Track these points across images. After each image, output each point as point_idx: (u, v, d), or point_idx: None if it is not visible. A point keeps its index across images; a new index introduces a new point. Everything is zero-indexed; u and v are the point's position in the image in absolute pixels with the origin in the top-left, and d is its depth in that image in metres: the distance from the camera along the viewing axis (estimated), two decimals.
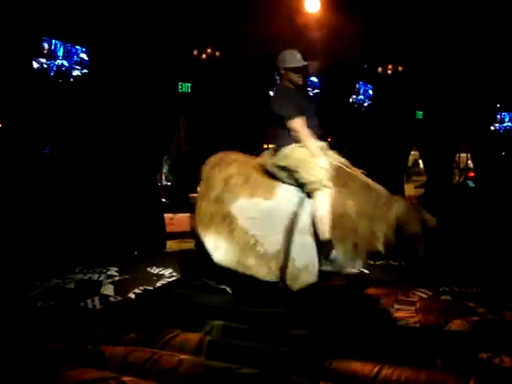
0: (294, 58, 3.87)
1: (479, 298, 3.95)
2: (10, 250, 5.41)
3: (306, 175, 3.66)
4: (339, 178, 3.71)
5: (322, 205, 3.62)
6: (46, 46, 6.33)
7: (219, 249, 3.86)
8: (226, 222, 3.85)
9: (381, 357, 2.87)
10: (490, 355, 2.77)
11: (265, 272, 3.73)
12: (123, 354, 2.77)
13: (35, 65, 6.21)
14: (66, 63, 6.60)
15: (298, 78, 3.90)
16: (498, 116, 11.30)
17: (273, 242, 3.71)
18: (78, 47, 6.69)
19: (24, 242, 5.70)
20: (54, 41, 6.38)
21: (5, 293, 4.26)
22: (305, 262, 3.65)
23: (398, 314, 3.62)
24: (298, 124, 3.74)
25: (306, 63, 3.94)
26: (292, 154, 3.75)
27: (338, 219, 3.61)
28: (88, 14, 6.49)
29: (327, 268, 3.71)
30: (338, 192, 3.66)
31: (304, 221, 3.68)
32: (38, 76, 6.31)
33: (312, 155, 3.69)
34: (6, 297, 4.16)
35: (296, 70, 3.87)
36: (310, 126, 3.78)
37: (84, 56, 6.75)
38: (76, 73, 6.72)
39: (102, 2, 6.52)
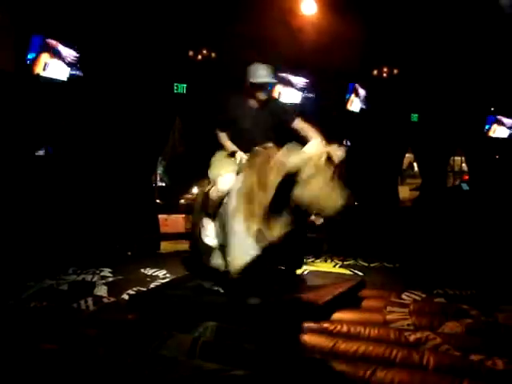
0: (261, 73, 3.78)
1: (473, 300, 3.96)
2: (4, 251, 5.38)
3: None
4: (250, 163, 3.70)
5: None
6: (40, 45, 6.30)
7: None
8: None
9: (374, 359, 2.89)
10: (482, 357, 2.78)
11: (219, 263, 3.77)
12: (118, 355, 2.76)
13: (29, 68, 6.18)
14: (60, 64, 6.57)
15: (260, 96, 3.82)
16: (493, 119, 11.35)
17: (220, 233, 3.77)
18: (72, 47, 6.66)
19: (17, 243, 5.67)
20: (48, 40, 6.35)
21: None
22: (235, 244, 3.51)
23: (391, 316, 3.62)
24: (222, 137, 3.95)
25: (272, 80, 3.89)
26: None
27: (244, 197, 3.54)
28: (83, 15, 6.47)
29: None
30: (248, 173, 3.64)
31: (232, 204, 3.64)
32: (33, 77, 6.28)
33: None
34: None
35: (260, 86, 3.79)
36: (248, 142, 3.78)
37: (78, 57, 6.72)
38: (70, 73, 6.70)
39: (96, 3, 6.51)
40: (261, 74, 3.78)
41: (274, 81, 3.96)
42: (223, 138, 4.01)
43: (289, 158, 3.34)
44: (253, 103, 3.90)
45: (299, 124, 3.88)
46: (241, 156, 3.83)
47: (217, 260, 3.78)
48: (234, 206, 3.55)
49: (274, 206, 3.38)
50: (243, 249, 3.42)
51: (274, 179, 3.37)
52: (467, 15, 7.89)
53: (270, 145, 3.76)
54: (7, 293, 4.25)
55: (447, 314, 3.62)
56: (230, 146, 3.96)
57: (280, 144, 3.67)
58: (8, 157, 6.29)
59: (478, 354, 2.84)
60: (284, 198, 3.34)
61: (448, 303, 3.97)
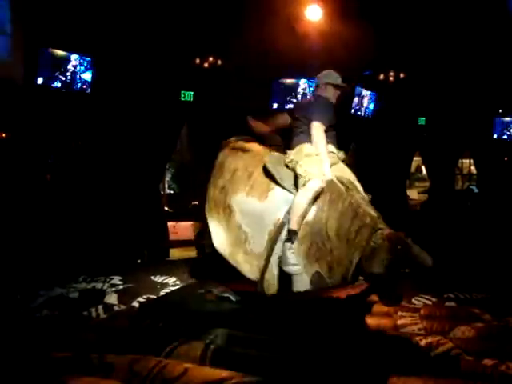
0: (336, 78, 4.28)
1: (484, 304, 3.93)
2: (14, 259, 5.42)
3: (306, 167, 3.74)
4: (330, 193, 3.67)
5: (305, 192, 3.65)
6: (49, 57, 6.36)
7: (218, 236, 4.02)
8: (226, 213, 3.98)
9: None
10: (495, 362, 2.76)
11: (248, 269, 3.82)
12: (128, 363, 2.76)
13: (39, 80, 6.24)
14: (69, 73, 6.63)
15: (334, 94, 4.27)
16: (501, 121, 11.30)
17: (258, 244, 3.78)
18: (81, 57, 6.72)
19: (28, 251, 5.71)
20: (58, 51, 6.42)
21: (9, 302, 4.27)
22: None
23: (402, 321, 3.60)
24: (321, 130, 3.92)
25: (344, 85, 4.36)
26: (302, 149, 3.92)
27: (316, 234, 3.56)
28: (90, 24, 6.53)
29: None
30: (323, 206, 3.62)
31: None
32: (41, 88, 6.34)
33: (319, 155, 3.81)
34: (10, 306, 4.17)
35: (335, 86, 4.25)
36: (328, 138, 3.98)
37: (87, 65, 6.78)
38: (79, 83, 6.75)
39: (104, 12, 6.57)
40: (337, 78, 4.30)
41: (345, 85, 4.45)
42: (322, 132, 4.00)
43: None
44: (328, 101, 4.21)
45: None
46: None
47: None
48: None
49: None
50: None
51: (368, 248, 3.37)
52: (474, 18, 7.88)
53: None
54: (18, 302, 4.28)
55: (458, 319, 3.60)
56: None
57: None
58: (19, 165, 6.35)
59: (491, 358, 2.81)
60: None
61: (459, 307, 3.94)
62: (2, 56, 5.66)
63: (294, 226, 3.61)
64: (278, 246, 3.68)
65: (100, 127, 7.23)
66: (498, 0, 7.58)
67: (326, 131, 3.93)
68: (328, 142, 3.93)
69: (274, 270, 3.68)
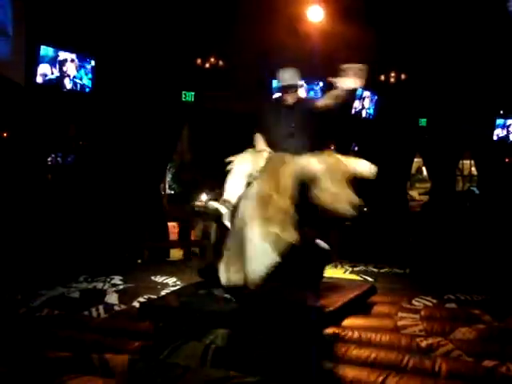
0: (285, 77, 3.89)
1: (484, 305, 3.92)
2: (15, 259, 5.43)
3: None
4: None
5: None
6: (49, 57, 6.36)
7: None
8: None
9: (386, 365, 2.87)
10: (496, 363, 2.76)
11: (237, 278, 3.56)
12: (129, 363, 2.77)
13: (40, 80, 6.25)
14: (70, 73, 6.64)
15: (288, 98, 3.89)
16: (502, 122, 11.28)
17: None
18: (82, 57, 6.73)
19: (29, 251, 5.72)
20: (59, 51, 6.42)
21: (9, 301, 4.27)
22: (252, 254, 3.38)
23: (402, 322, 3.60)
24: (257, 138, 3.93)
25: (296, 83, 3.91)
26: None
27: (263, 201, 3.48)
28: (92, 25, 6.54)
29: None
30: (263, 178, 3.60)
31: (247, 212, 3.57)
32: (42, 88, 6.35)
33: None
34: (10, 305, 4.17)
35: (286, 88, 3.89)
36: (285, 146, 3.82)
37: (88, 66, 6.79)
38: (80, 84, 6.76)
39: (105, 13, 6.58)
40: (285, 77, 3.88)
41: (299, 83, 4.01)
42: (258, 138, 3.98)
43: (309, 163, 3.39)
44: (284, 105, 3.95)
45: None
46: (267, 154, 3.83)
47: (233, 275, 3.64)
48: (248, 213, 3.48)
49: (290, 209, 3.37)
50: (261, 257, 3.31)
51: (290, 182, 3.38)
52: (475, 19, 7.88)
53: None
54: (19, 301, 4.28)
55: (459, 320, 3.60)
56: (260, 145, 3.93)
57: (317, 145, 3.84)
58: (20, 166, 6.36)
59: (492, 359, 2.81)
60: (300, 201, 3.35)
61: (459, 308, 3.94)
62: (3, 56, 5.67)
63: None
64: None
65: (101, 127, 7.24)
66: (498, 2, 7.58)
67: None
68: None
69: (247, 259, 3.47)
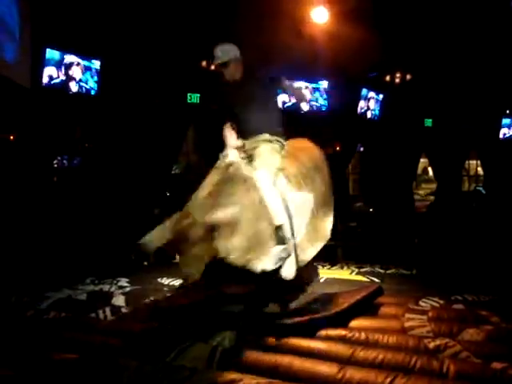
0: (217, 54, 3.81)
1: (492, 306, 3.90)
2: (22, 261, 5.45)
3: None
4: None
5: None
6: (56, 59, 6.40)
7: None
8: None
9: (393, 366, 2.86)
10: (505, 365, 2.74)
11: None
12: (137, 365, 2.77)
13: (46, 82, 6.28)
14: (76, 76, 6.67)
15: (226, 75, 3.83)
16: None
17: None
18: (88, 59, 6.76)
19: (35, 253, 5.73)
20: (65, 54, 6.46)
21: (16, 304, 4.29)
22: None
23: (410, 323, 3.58)
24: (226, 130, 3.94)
25: (227, 59, 3.76)
26: None
27: None
28: (97, 28, 6.56)
29: None
30: None
31: None
32: (48, 90, 6.38)
33: None
34: (17, 308, 4.19)
35: (222, 66, 3.82)
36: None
37: (94, 69, 6.81)
38: (85, 86, 6.78)
39: (111, 16, 6.60)
40: (217, 55, 3.81)
41: (230, 58, 3.80)
42: (227, 130, 3.90)
43: None
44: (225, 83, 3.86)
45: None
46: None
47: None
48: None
49: None
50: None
51: None
52: (480, 19, 7.85)
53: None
54: (26, 303, 4.30)
55: (467, 321, 3.57)
56: (230, 142, 3.85)
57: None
58: (26, 168, 6.38)
59: (500, 361, 2.79)
60: None
61: (467, 309, 3.92)
62: (9, 59, 5.71)
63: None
64: None
65: (106, 130, 7.27)
66: (503, 1, 7.55)
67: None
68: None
69: None
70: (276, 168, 3.66)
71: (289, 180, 3.69)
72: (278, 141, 3.82)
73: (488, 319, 3.57)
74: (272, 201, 3.42)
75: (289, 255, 3.42)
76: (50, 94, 6.44)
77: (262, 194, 3.40)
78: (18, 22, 5.72)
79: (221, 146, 4.78)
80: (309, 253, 3.70)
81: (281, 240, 3.37)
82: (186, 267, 3.25)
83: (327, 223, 3.86)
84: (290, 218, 3.49)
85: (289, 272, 3.41)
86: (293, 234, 3.48)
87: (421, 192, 13.74)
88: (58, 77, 6.45)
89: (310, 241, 3.70)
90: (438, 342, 3.17)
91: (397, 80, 9.41)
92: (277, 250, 3.33)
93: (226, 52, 3.80)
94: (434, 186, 12.24)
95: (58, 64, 6.40)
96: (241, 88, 3.81)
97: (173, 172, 11.41)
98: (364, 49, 7.56)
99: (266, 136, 3.79)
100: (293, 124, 8.41)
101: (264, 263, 3.24)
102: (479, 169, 13.30)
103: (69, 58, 6.52)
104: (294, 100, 7.92)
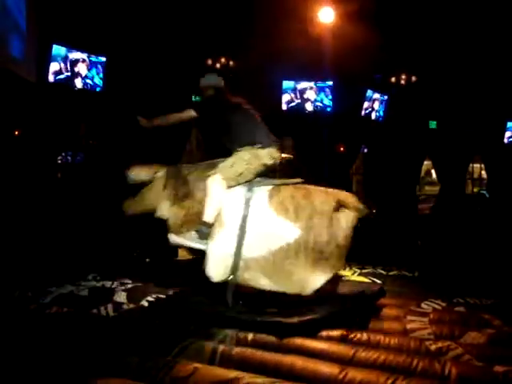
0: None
1: (494, 309, 3.89)
2: (25, 256, 5.46)
3: None
4: None
5: None
6: (62, 56, 6.41)
7: None
8: None
9: (395, 368, 2.86)
10: (507, 369, 2.74)
11: None
12: (138, 363, 2.78)
13: (51, 77, 6.29)
14: (81, 73, 6.68)
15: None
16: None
17: None
18: (94, 57, 6.77)
19: (38, 248, 5.75)
20: (71, 51, 6.47)
21: (19, 298, 4.30)
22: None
23: (411, 325, 3.58)
24: None
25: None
26: None
27: None
28: (104, 25, 6.58)
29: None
30: None
31: None
32: (54, 86, 6.40)
33: None
34: (20, 302, 4.20)
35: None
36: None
37: (99, 65, 6.83)
38: (90, 83, 6.80)
39: (117, 14, 6.61)
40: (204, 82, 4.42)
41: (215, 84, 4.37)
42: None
43: None
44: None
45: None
46: None
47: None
48: None
49: None
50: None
51: None
52: (486, 22, 7.84)
53: None
54: (28, 298, 4.31)
55: (468, 324, 3.57)
56: None
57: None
58: (31, 164, 6.40)
59: (502, 365, 2.79)
60: None
61: (469, 312, 3.91)
62: (17, 54, 5.73)
63: None
64: None
65: (111, 127, 7.27)
66: (509, 6, 7.54)
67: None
68: None
69: None
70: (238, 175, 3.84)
71: (279, 201, 3.68)
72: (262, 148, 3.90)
73: (490, 322, 3.57)
74: (208, 200, 3.79)
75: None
76: (55, 89, 6.45)
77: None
78: (26, 19, 5.74)
79: (224, 145, 4.80)
80: (257, 280, 3.61)
81: (202, 235, 3.77)
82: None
83: (314, 279, 3.54)
84: (241, 230, 3.64)
85: (211, 272, 3.70)
86: (238, 247, 3.63)
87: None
88: (64, 73, 6.46)
89: (265, 272, 3.58)
90: (439, 344, 3.17)
91: (402, 81, 9.40)
92: (192, 235, 3.85)
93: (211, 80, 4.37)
94: (437, 188, 12.22)
95: (64, 60, 6.42)
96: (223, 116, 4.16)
97: None
98: (369, 50, 7.56)
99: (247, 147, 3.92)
100: (297, 124, 8.43)
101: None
102: (483, 172, 13.28)
103: (75, 55, 6.54)
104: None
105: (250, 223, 3.64)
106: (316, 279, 3.55)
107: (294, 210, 3.62)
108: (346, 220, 3.68)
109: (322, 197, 3.71)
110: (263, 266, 3.57)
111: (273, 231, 3.60)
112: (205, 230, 3.77)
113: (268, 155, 3.89)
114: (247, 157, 3.85)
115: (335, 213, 3.66)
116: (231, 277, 3.65)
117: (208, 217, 3.77)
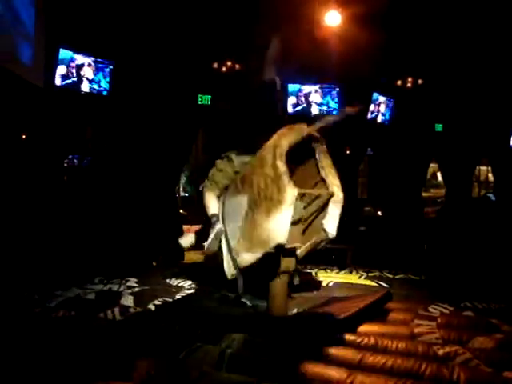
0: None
1: (503, 314, 3.87)
2: (32, 259, 5.48)
3: None
4: None
5: None
6: (69, 59, 6.43)
7: None
8: None
9: (403, 373, 2.85)
10: None
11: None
12: (146, 366, 2.78)
13: (58, 81, 6.32)
14: (88, 76, 6.71)
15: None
16: None
17: None
18: (100, 60, 6.79)
19: (46, 252, 5.76)
20: (77, 55, 6.50)
21: (26, 301, 4.31)
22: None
23: (419, 330, 3.56)
24: None
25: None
26: None
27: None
28: (110, 29, 6.60)
29: None
30: None
31: None
32: (60, 90, 6.42)
33: None
34: (27, 305, 4.21)
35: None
36: None
37: (106, 69, 6.85)
38: (97, 87, 6.82)
39: (123, 18, 6.64)
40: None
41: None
42: None
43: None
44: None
45: None
46: None
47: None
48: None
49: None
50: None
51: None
52: (492, 25, 7.82)
53: None
54: (36, 301, 4.32)
55: (477, 329, 3.55)
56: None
57: None
58: (38, 168, 6.42)
59: (510, 370, 2.77)
60: None
61: (477, 317, 3.89)
62: (25, 59, 5.76)
63: None
64: None
65: (117, 130, 7.29)
66: None
67: None
68: None
69: None
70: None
71: (235, 185, 4.07)
72: None
73: (499, 327, 3.54)
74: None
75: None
76: (62, 93, 6.48)
77: None
78: (35, 24, 5.77)
79: (229, 148, 4.81)
80: (245, 258, 3.69)
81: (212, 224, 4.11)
82: None
83: (271, 223, 3.50)
84: (223, 220, 4.03)
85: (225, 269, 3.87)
86: (226, 236, 3.94)
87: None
88: (71, 77, 6.49)
89: (244, 246, 3.69)
90: (447, 349, 3.15)
91: (408, 84, 9.37)
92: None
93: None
94: (442, 191, 12.17)
95: (71, 64, 6.44)
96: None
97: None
98: (375, 53, 7.55)
99: None
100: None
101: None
102: (490, 175, 13.21)
103: (81, 59, 6.56)
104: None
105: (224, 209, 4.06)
106: (272, 224, 3.52)
107: (242, 182, 3.95)
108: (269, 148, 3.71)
109: (267, 148, 3.75)
110: (243, 244, 3.73)
111: (234, 209, 3.91)
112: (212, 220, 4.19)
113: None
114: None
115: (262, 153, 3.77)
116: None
117: (210, 210, 4.27)
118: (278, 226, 3.47)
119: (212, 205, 4.30)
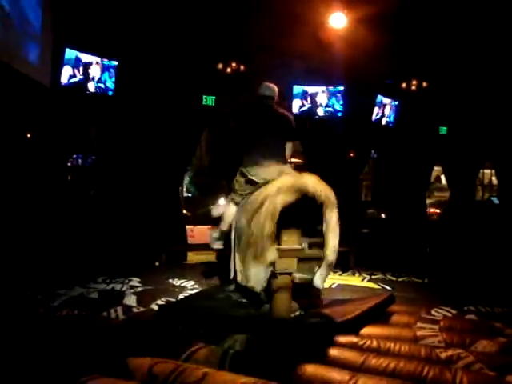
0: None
1: (506, 318, 3.86)
2: (36, 258, 5.50)
3: None
4: None
5: None
6: (75, 59, 6.45)
7: None
8: None
9: (405, 376, 2.84)
10: None
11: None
12: (148, 366, 2.78)
13: (64, 81, 6.34)
14: (93, 76, 6.72)
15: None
16: None
17: None
18: (106, 60, 6.81)
19: (49, 251, 5.78)
20: (84, 54, 6.51)
21: (30, 301, 4.32)
22: None
23: (421, 333, 3.56)
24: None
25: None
26: None
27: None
28: (115, 29, 6.62)
29: None
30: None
31: None
32: (66, 90, 6.44)
33: None
34: (29, 304, 4.22)
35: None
36: None
37: (112, 69, 6.86)
38: (102, 86, 6.83)
39: (128, 17, 6.65)
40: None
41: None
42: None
43: None
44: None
45: None
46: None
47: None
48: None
49: None
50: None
51: None
52: (497, 28, 7.80)
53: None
54: (39, 300, 4.33)
55: (480, 332, 3.54)
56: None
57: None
58: (42, 167, 6.44)
59: None
60: None
61: (480, 320, 3.88)
62: (32, 59, 5.78)
63: None
64: None
65: (122, 130, 7.31)
66: None
67: None
68: None
69: None
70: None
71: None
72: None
73: (502, 331, 3.53)
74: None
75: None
76: (67, 93, 6.49)
77: None
78: (42, 23, 5.79)
79: (234, 149, 4.82)
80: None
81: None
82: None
83: (252, 268, 3.61)
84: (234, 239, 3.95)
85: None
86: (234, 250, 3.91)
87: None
88: (77, 76, 6.50)
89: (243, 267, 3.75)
90: (450, 352, 3.14)
91: (412, 87, 9.35)
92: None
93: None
94: (446, 194, 12.15)
95: (77, 63, 6.46)
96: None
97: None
98: (380, 55, 7.55)
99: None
100: (308, 129, 8.43)
101: None
102: (493, 178, 13.19)
103: (87, 58, 6.58)
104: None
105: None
106: (255, 271, 3.59)
107: (248, 205, 3.81)
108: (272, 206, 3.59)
109: (262, 198, 3.64)
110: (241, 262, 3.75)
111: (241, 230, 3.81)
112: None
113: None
114: None
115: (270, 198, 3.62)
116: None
117: (221, 226, 4.45)
118: (257, 276, 3.61)
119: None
